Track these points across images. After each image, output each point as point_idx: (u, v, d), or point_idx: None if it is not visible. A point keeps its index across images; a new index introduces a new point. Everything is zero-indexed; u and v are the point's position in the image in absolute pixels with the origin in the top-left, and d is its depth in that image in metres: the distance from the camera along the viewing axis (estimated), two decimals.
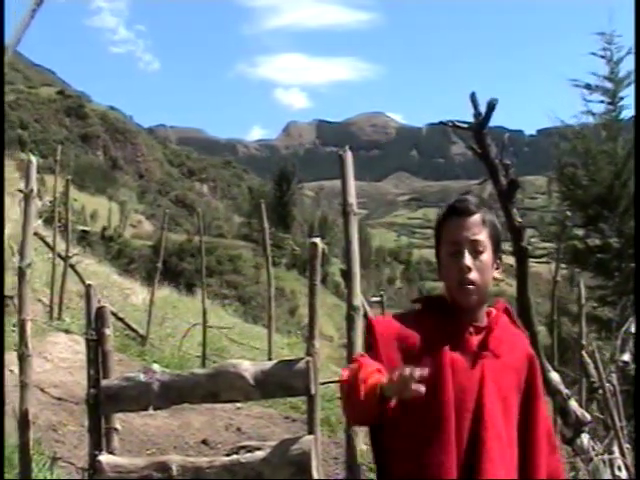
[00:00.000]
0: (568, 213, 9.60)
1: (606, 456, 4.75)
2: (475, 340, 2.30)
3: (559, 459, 2.42)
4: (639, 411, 5.59)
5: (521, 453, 2.29)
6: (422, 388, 1.99)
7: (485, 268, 2.29)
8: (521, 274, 4.15)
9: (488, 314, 2.38)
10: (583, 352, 6.64)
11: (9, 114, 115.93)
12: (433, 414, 2.21)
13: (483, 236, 2.29)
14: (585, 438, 4.52)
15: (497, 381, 2.27)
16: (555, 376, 4.37)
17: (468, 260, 2.27)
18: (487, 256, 2.30)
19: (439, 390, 2.22)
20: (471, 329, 2.31)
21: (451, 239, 2.31)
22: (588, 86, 12.47)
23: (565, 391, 4.38)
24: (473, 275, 2.26)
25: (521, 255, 4.11)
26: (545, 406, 2.40)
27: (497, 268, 2.36)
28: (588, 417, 4.61)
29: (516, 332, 2.41)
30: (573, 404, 4.43)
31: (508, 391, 2.29)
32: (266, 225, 11.00)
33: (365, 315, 3.90)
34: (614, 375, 6.27)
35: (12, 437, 4.87)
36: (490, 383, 2.25)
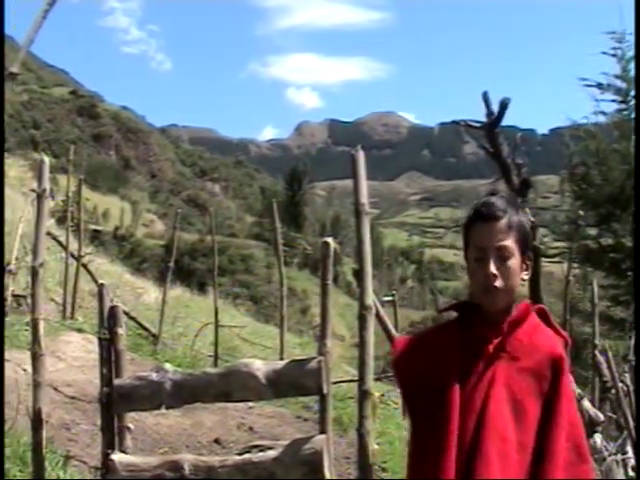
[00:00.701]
0: (581, 212, 9.58)
1: (619, 456, 4.73)
2: (494, 342, 2.29)
3: (588, 471, 2.28)
4: (639, 409, 5.57)
5: (536, 460, 2.22)
6: None
7: (512, 273, 2.28)
8: (533, 273, 4.14)
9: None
10: (596, 352, 6.62)
11: (22, 114, 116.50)
12: (438, 416, 2.24)
13: (509, 242, 2.27)
14: (598, 438, 4.51)
15: (510, 384, 2.24)
16: None
17: (493, 267, 2.25)
18: (514, 261, 2.28)
19: (445, 394, 2.24)
20: (491, 332, 2.29)
21: (477, 245, 2.30)
22: (599, 85, 12.44)
23: (578, 391, 4.36)
24: (498, 282, 2.25)
25: (533, 254, 4.10)
26: (573, 412, 2.29)
27: (526, 269, 2.34)
28: (601, 417, 4.60)
29: (546, 334, 2.33)
30: (586, 404, 4.42)
31: (523, 395, 2.24)
32: (278, 225, 11.01)
33: (377, 315, 3.90)
34: (627, 375, 6.25)
35: (26, 436, 4.89)
36: (500, 386, 2.23)
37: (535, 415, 2.23)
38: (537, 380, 2.26)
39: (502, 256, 2.26)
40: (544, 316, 2.38)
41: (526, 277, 2.34)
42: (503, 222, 2.27)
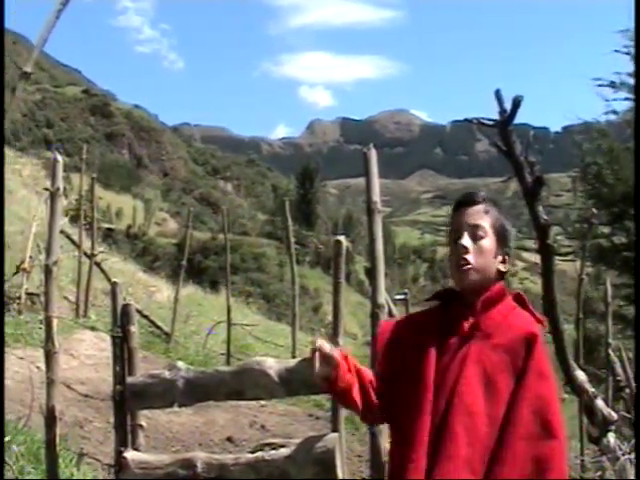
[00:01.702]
0: (594, 210, 9.54)
1: (633, 455, 4.70)
2: (470, 322, 2.32)
3: (555, 447, 2.22)
4: (639, 409, 5.55)
5: (500, 430, 2.21)
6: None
7: (484, 252, 2.32)
8: (547, 271, 4.13)
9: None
10: (610, 351, 6.60)
11: (35, 113, 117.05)
12: (414, 399, 2.27)
13: (484, 223, 2.33)
14: (612, 437, 4.48)
15: (483, 361, 2.26)
16: (581, 375, 4.33)
17: (466, 241, 2.31)
18: (488, 242, 2.32)
19: (419, 376, 2.28)
20: (467, 312, 2.33)
21: (454, 227, 2.38)
22: (612, 84, 12.38)
23: (591, 390, 4.35)
24: (470, 256, 2.31)
25: (547, 253, 4.08)
26: (544, 387, 2.25)
27: (503, 261, 2.37)
28: (615, 416, 4.57)
29: (521, 316, 2.35)
30: (599, 403, 4.40)
31: (495, 371, 2.25)
32: (290, 223, 11.03)
33: (390, 313, 3.90)
34: None
35: (39, 433, 4.92)
36: (472, 363, 2.25)
37: (507, 390, 2.24)
38: (510, 356, 2.27)
39: (475, 234, 2.32)
40: (521, 301, 2.40)
41: (503, 269, 2.36)
42: (480, 206, 2.35)
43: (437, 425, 2.22)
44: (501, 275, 2.37)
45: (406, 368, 2.33)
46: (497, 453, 2.18)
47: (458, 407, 2.21)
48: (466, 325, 2.31)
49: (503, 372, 2.25)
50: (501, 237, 2.35)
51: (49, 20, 3.42)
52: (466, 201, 2.37)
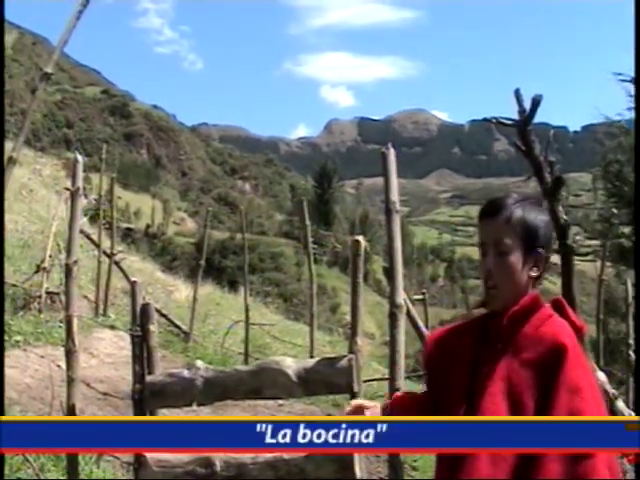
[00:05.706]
0: (614, 210, 9.48)
1: None
2: (500, 337, 2.25)
3: (592, 465, 2.07)
4: (639, 406, 5.50)
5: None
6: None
7: (510, 270, 2.23)
8: (566, 272, 4.11)
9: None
10: (630, 351, 6.55)
11: (55, 113, 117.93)
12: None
13: (507, 236, 2.22)
14: None
15: (510, 378, 2.17)
16: (601, 375, 4.31)
17: (490, 263, 2.24)
18: (512, 257, 2.22)
19: (454, 393, 2.25)
20: (500, 326, 2.25)
21: (479, 241, 2.29)
22: (634, 80, 12.28)
23: (612, 391, 4.32)
24: (495, 278, 2.23)
25: (566, 253, 4.07)
26: (575, 402, 2.12)
27: (534, 266, 2.25)
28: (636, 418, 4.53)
29: (555, 325, 2.24)
30: (620, 404, 4.37)
31: (523, 388, 2.16)
32: (308, 222, 11.02)
33: (408, 313, 3.89)
34: None
35: None
36: (499, 380, 2.18)
37: (533, 407, 2.14)
38: (538, 372, 2.17)
39: (500, 251, 2.23)
40: (559, 307, 2.29)
41: (534, 274, 2.26)
42: (502, 217, 2.23)
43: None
44: (535, 278, 2.27)
45: (445, 382, 2.30)
46: (530, 474, 2.08)
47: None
48: (497, 340, 2.25)
49: (530, 389, 2.15)
50: (528, 242, 2.24)
51: (70, 21, 3.45)
52: (487, 212, 2.27)
